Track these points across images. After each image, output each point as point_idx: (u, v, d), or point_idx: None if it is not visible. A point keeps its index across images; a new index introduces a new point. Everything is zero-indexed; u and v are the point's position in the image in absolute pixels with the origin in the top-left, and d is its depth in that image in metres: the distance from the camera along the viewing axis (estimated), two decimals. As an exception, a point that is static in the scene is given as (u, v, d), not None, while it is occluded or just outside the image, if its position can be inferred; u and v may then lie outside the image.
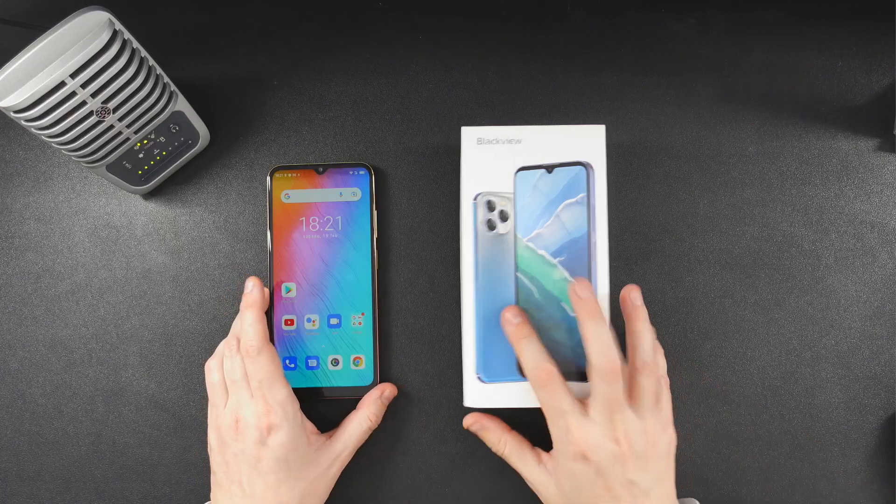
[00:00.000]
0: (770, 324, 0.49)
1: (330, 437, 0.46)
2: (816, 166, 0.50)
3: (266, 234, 0.50)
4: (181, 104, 0.46)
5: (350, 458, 0.46)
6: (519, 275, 0.43)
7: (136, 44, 0.41)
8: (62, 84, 0.38)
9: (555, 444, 0.41)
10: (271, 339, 0.48)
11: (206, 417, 0.49)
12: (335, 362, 0.48)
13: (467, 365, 0.44)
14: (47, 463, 0.49)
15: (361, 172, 0.50)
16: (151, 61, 0.43)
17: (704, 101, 0.51)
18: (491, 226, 0.44)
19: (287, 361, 0.48)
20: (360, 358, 0.48)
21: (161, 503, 0.49)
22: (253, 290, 0.46)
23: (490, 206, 0.44)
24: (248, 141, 0.51)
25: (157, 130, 0.46)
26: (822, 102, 0.51)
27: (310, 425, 0.46)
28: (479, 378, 0.43)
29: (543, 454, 0.44)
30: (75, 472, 0.49)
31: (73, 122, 0.40)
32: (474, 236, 0.44)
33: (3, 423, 0.50)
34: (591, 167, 0.43)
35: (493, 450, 0.46)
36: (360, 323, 0.48)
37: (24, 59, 0.38)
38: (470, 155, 0.44)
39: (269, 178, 0.49)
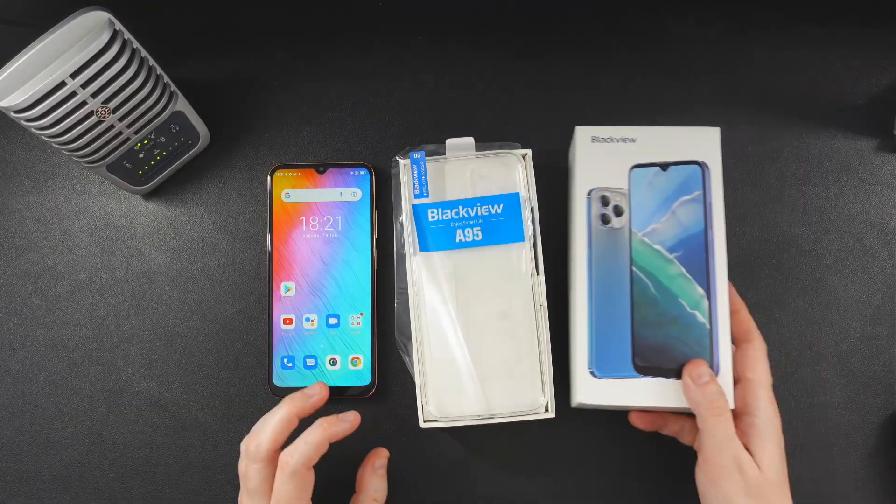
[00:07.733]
0: (770, 324, 0.49)
1: None
2: (816, 166, 0.50)
3: (266, 233, 0.50)
4: (181, 104, 0.46)
5: None
6: (634, 269, 0.43)
7: (136, 44, 0.41)
8: (62, 84, 0.38)
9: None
10: (270, 339, 0.48)
11: (207, 417, 0.49)
12: (333, 362, 0.48)
13: (578, 359, 0.43)
14: (47, 463, 0.49)
15: (361, 172, 0.50)
16: (151, 61, 0.43)
17: (704, 101, 0.51)
18: (605, 220, 0.44)
19: (285, 360, 0.48)
20: (358, 358, 0.48)
21: (161, 503, 0.49)
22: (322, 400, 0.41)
23: (604, 201, 0.44)
24: (248, 141, 0.51)
25: (158, 130, 0.46)
26: (821, 102, 0.51)
27: None
28: (591, 373, 0.42)
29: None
30: (75, 472, 0.49)
31: (74, 122, 0.40)
32: (588, 231, 0.44)
33: (3, 423, 0.50)
34: (707, 166, 0.43)
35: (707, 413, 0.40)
36: (358, 323, 0.48)
37: (24, 59, 0.38)
38: (584, 152, 0.44)
39: (269, 177, 0.49)
